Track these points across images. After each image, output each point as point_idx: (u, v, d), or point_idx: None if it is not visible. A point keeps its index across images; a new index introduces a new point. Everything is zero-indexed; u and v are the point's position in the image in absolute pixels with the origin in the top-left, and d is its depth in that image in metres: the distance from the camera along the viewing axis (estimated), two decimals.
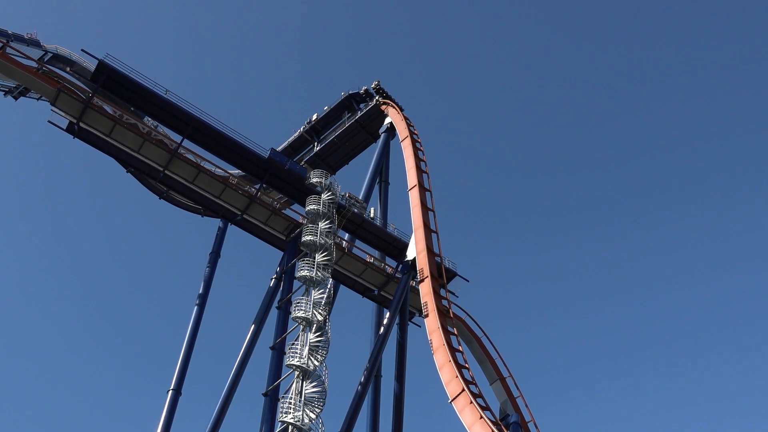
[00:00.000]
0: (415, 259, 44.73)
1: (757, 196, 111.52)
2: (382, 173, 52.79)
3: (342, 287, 47.06)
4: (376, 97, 56.05)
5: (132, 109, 44.96)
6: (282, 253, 45.36)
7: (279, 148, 56.69)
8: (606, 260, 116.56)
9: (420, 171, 49.04)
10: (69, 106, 41.13)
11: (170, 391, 40.78)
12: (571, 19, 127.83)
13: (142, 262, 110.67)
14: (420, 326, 47.40)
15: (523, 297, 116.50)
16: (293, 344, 36.11)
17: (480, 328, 44.79)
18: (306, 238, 40.84)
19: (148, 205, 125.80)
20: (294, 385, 34.85)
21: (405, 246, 47.18)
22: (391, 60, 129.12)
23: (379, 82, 56.61)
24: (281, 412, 33.98)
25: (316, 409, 33.82)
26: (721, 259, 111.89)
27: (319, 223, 41.73)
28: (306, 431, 33.24)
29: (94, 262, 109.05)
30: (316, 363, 35.19)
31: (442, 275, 43.21)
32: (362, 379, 41.27)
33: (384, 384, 44.82)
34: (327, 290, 38.58)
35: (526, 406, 41.74)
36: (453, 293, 44.75)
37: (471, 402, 34.12)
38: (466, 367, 37.09)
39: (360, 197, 48.27)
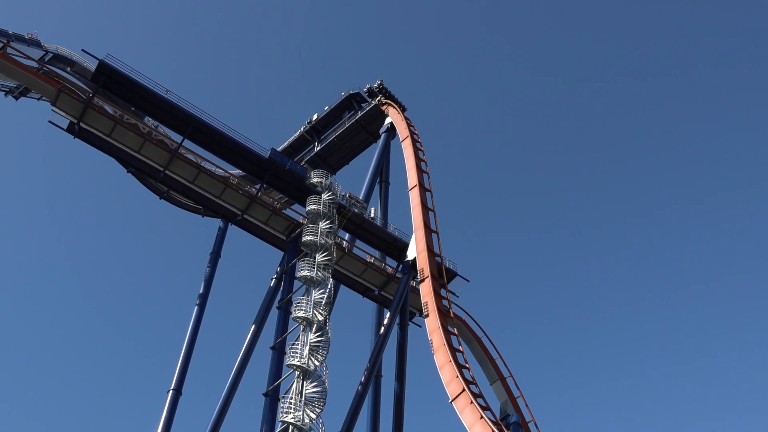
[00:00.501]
0: (415, 259, 44.75)
1: (757, 196, 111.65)
2: (382, 173, 52.78)
3: (342, 287, 47.03)
4: (379, 97, 56.04)
5: (132, 109, 44.91)
6: (282, 253, 45.40)
7: (279, 148, 56.71)
8: (606, 260, 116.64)
9: (420, 171, 49.07)
10: (69, 106, 41.14)
11: (171, 391, 40.69)
12: (574, 20, 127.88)
13: (142, 262, 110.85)
14: (420, 326, 47.41)
15: (523, 297, 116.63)
16: (294, 344, 36.09)
17: (480, 328, 44.97)
18: (306, 238, 40.84)
19: (148, 205, 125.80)
20: (294, 385, 34.84)
21: (405, 246, 47.20)
22: (391, 60, 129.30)
23: (382, 81, 56.62)
24: (282, 412, 33.97)
25: (317, 409, 33.80)
26: (721, 259, 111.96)
27: (320, 223, 41.72)
28: (306, 431, 33.26)
29: (94, 262, 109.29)
30: (317, 363, 35.17)
31: (442, 275, 43.24)
32: (362, 379, 41.27)
33: (384, 384, 44.81)
34: (327, 290, 38.52)
35: (527, 406, 41.82)
36: (453, 293, 44.85)
37: (471, 402, 34.12)
38: (466, 367, 37.09)
39: (360, 197, 48.27)
